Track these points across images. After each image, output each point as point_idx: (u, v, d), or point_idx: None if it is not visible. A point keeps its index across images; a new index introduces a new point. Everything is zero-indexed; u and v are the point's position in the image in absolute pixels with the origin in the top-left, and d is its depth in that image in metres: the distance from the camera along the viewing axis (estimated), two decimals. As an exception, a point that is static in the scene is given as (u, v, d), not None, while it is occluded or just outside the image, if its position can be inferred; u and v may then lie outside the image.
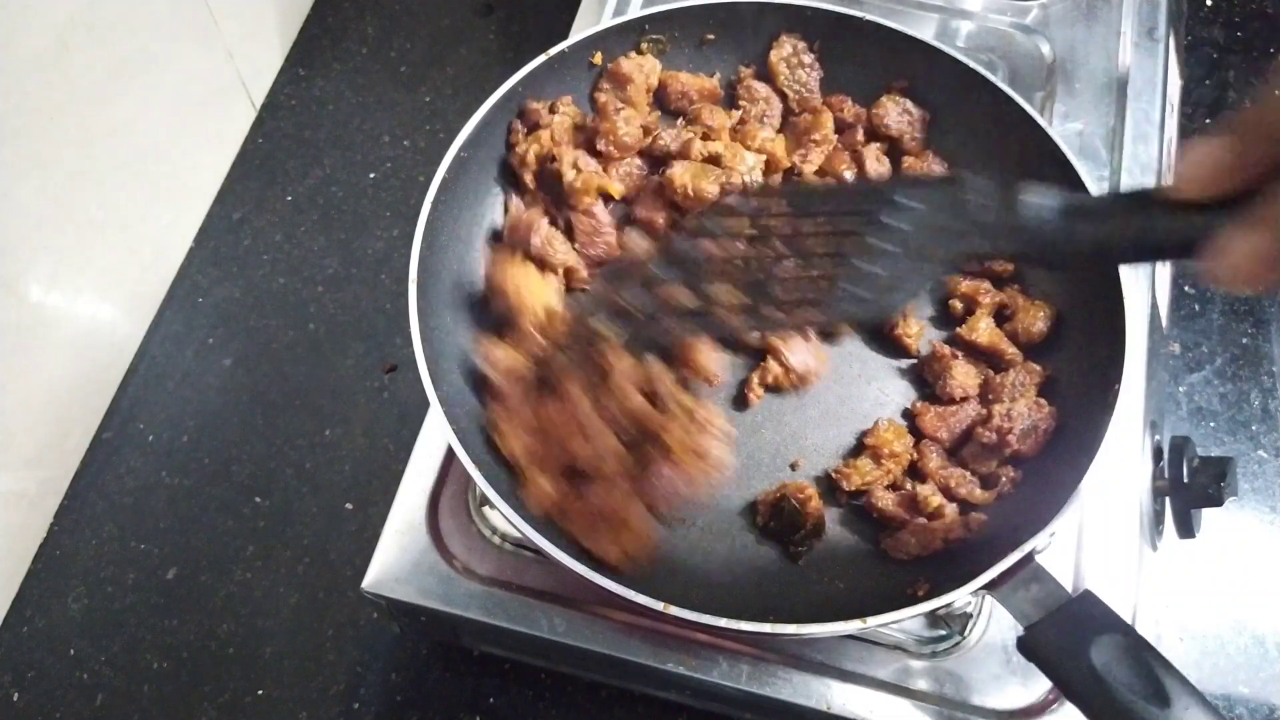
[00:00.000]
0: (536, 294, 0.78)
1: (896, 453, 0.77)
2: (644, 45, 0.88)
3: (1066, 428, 0.75)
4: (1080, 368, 0.78)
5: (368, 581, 0.76)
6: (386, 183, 1.18)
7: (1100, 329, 0.75)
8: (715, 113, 0.87)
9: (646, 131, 0.86)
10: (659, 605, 0.64)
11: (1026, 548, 0.65)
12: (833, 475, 0.78)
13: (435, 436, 0.82)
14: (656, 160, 0.86)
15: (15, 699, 0.90)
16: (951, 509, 0.74)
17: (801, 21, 0.88)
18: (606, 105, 0.86)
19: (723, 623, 0.65)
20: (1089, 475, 0.68)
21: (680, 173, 0.82)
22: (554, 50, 0.84)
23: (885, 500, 0.75)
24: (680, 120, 0.89)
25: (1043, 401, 0.76)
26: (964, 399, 0.79)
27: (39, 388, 0.95)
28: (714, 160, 0.83)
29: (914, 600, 0.67)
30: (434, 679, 0.90)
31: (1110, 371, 0.72)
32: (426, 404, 0.70)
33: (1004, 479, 0.75)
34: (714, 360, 0.79)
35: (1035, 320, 0.80)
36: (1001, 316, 0.83)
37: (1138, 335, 0.86)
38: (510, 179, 0.86)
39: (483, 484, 0.67)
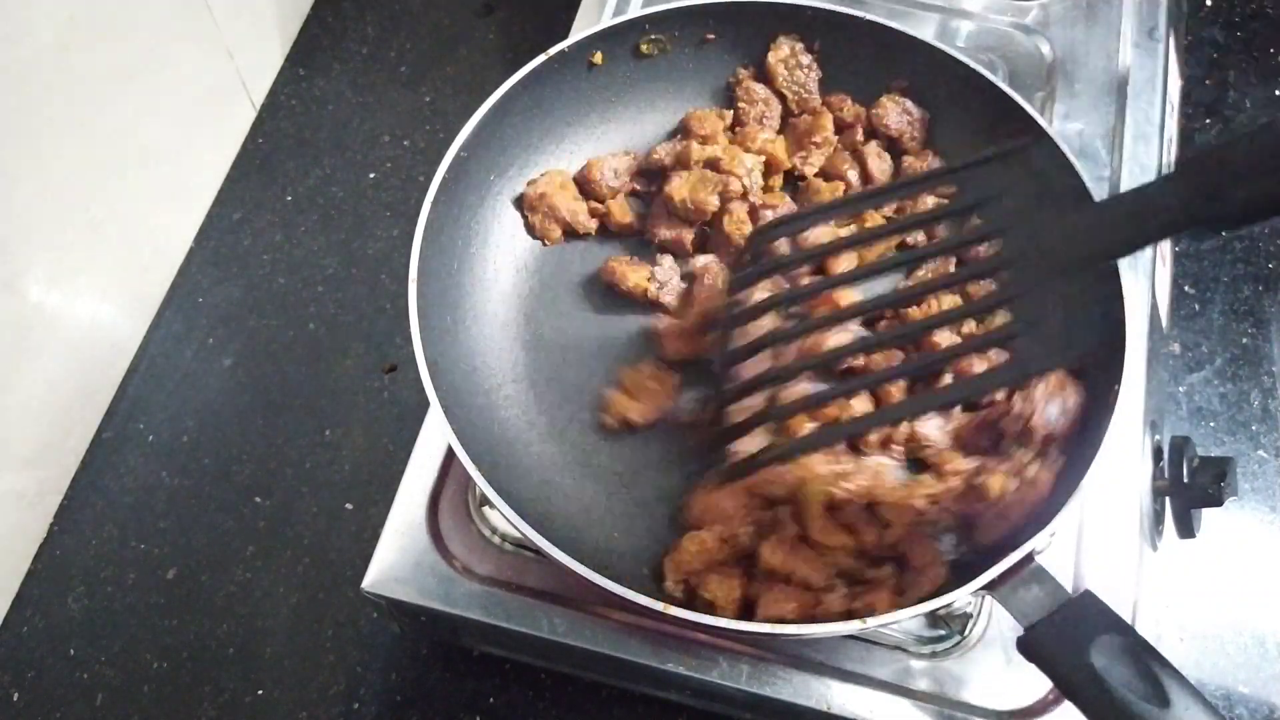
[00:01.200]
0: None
1: (961, 469, 0.75)
2: (644, 45, 0.88)
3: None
4: (1080, 368, 0.78)
5: (368, 581, 0.76)
6: (386, 183, 1.18)
7: (1100, 330, 0.75)
8: (705, 118, 0.87)
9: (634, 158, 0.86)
10: (659, 605, 0.64)
11: (1026, 548, 0.65)
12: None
13: (435, 436, 0.82)
14: (655, 175, 0.86)
15: (15, 699, 0.90)
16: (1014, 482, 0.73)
17: (802, 21, 0.88)
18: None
19: (723, 623, 0.65)
20: (1089, 475, 0.68)
21: (678, 186, 0.82)
22: (554, 50, 0.84)
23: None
24: (678, 136, 0.89)
25: (1064, 379, 0.75)
26: (990, 401, 0.78)
27: (39, 388, 0.95)
28: (713, 165, 0.83)
29: (914, 600, 0.67)
30: (434, 679, 0.90)
31: (1110, 372, 0.72)
32: (426, 404, 0.70)
33: (1050, 455, 0.74)
34: None
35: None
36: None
37: (1138, 335, 0.86)
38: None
39: (483, 484, 0.67)
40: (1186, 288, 1.09)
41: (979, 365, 0.77)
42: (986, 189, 0.68)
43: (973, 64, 0.84)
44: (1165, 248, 0.97)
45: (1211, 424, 1.02)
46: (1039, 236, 0.64)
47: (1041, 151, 0.72)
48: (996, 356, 0.77)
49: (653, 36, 0.88)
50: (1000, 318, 0.80)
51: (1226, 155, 0.57)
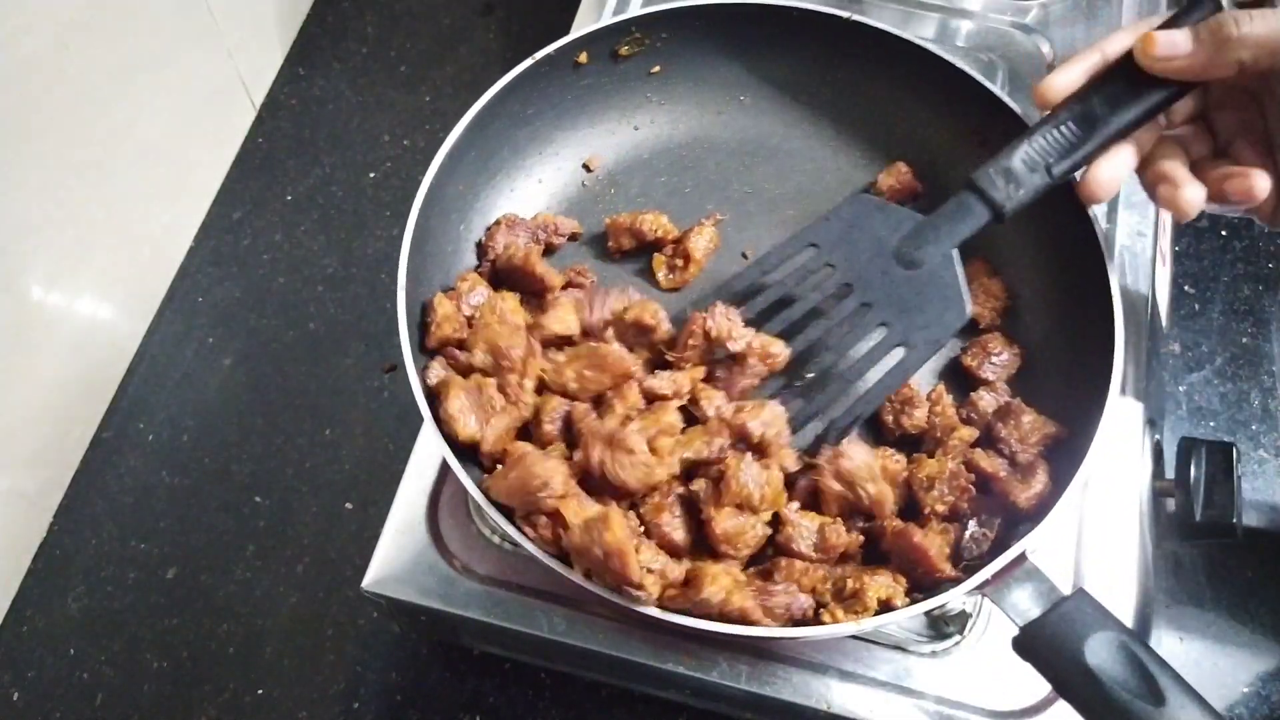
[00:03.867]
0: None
1: (964, 437, 0.76)
2: (623, 49, 0.87)
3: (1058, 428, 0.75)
4: (1072, 366, 0.77)
5: (368, 581, 0.76)
6: (386, 182, 1.18)
7: (1091, 330, 0.75)
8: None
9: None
10: (656, 611, 0.64)
11: (1019, 547, 0.65)
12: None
13: (435, 437, 0.82)
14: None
15: (15, 699, 0.91)
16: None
17: (797, 24, 0.88)
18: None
19: (721, 628, 0.64)
20: (1082, 475, 0.68)
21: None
22: (540, 54, 0.83)
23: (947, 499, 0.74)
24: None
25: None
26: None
27: (39, 388, 0.95)
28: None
29: (911, 600, 0.67)
30: (434, 679, 0.90)
31: (1101, 371, 0.72)
32: (426, 404, 0.70)
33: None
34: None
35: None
36: None
37: (1133, 336, 0.86)
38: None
39: (476, 494, 0.67)
40: (1186, 288, 1.09)
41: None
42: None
43: (963, 65, 0.84)
44: (1165, 247, 0.97)
45: (1211, 424, 1.02)
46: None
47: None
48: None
49: (636, 36, 0.87)
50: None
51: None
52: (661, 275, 0.85)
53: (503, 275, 0.82)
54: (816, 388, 0.76)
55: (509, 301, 0.79)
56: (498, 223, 0.84)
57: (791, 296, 0.77)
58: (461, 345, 0.77)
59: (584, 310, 0.78)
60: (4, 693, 0.91)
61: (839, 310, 0.76)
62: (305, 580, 0.95)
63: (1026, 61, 1.02)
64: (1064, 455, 0.72)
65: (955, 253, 0.74)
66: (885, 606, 0.67)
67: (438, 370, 0.74)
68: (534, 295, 0.81)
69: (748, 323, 0.75)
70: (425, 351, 0.77)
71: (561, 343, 0.77)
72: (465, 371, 0.75)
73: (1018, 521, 0.71)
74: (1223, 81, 0.69)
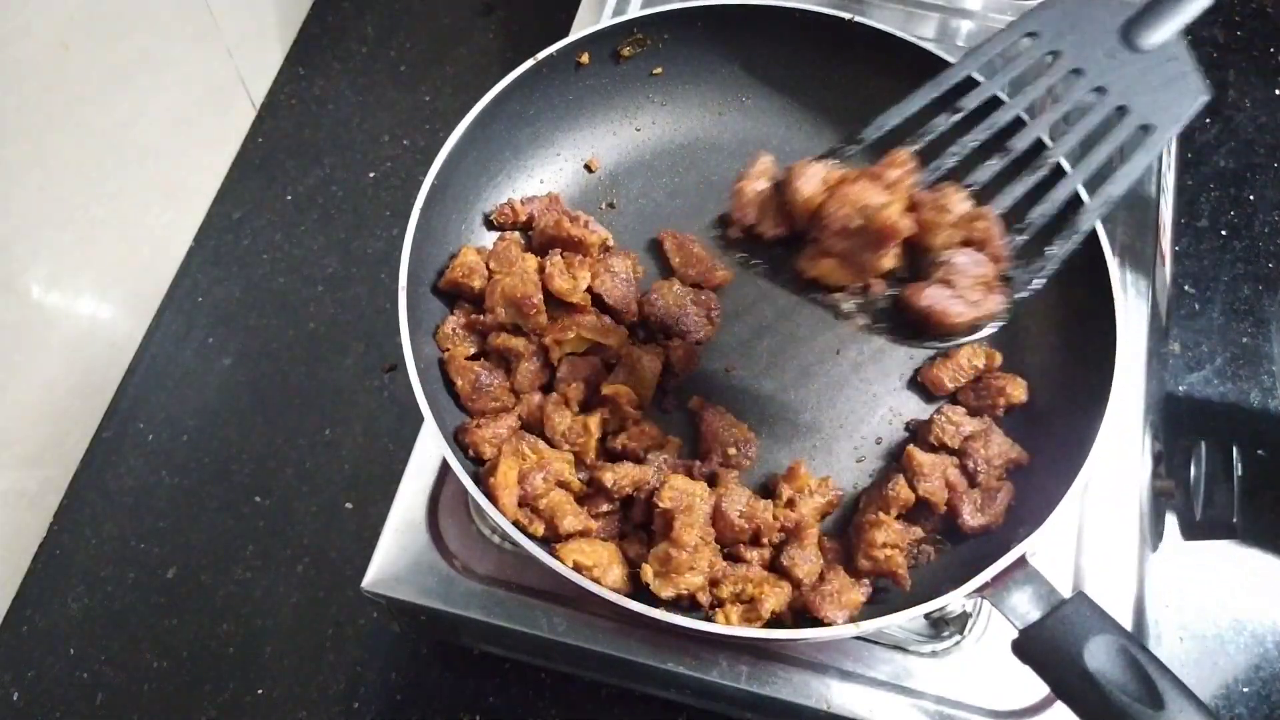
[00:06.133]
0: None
1: (953, 447, 0.76)
2: (624, 50, 0.87)
3: (1058, 431, 0.75)
4: (1072, 366, 0.77)
5: (368, 581, 0.76)
6: (386, 182, 1.18)
7: (1091, 330, 0.75)
8: None
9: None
10: (655, 613, 0.64)
11: (1019, 550, 0.65)
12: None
13: (435, 437, 0.82)
14: None
15: (15, 699, 0.91)
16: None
17: (798, 25, 0.88)
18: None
19: (720, 629, 0.65)
20: (1079, 479, 0.68)
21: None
22: (541, 55, 0.83)
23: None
24: None
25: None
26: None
27: (39, 387, 0.95)
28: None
29: (909, 602, 0.67)
30: (434, 679, 0.90)
31: (1102, 371, 0.72)
32: (425, 404, 0.70)
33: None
34: None
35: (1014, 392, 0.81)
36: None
37: (1133, 337, 0.86)
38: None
39: (476, 493, 0.67)
40: (1186, 288, 1.09)
41: None
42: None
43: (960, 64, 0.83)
44: (1165, 247, 0.96)
45: (1212, 424, 1.02)
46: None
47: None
48: None
49: (638, 37, 0.87)
50: None
51: None
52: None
53: (540, 244, 0.83)
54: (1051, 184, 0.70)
55: (530, 262, 0.79)
56: (509, 204, 0.85)
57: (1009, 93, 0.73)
58: (475, 299, 0.78)
59: None
60: (4, 692, 0.91)
61: (1069, 94, 0.71)
62: (305, 580, 0.95)
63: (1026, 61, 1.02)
64: (1065, 455, 0.72)
65: (1183, 38, 0.71)
66: (776, 621, 0.69)
67: (450, 327, 0.77)
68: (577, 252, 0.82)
69: (962, 121, 0.71)
70: (435, 292, 0.78)
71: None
72: (485, 330, 0.77)
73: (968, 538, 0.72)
74: None
